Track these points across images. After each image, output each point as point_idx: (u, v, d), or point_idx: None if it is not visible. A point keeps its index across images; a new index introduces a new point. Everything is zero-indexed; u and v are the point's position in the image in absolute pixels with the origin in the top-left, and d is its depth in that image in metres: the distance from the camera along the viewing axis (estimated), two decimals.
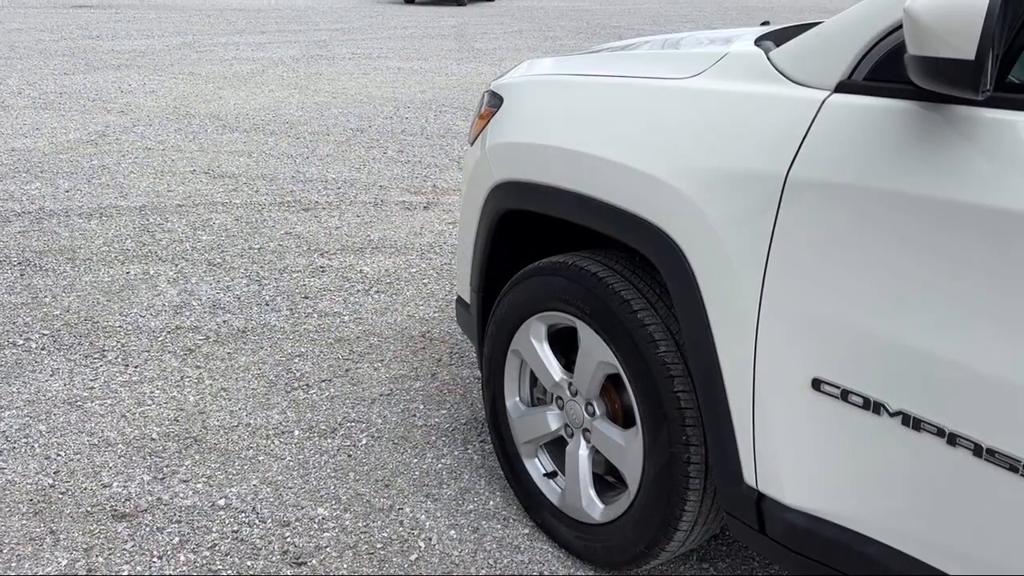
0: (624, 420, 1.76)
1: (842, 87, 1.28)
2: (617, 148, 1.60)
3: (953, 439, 1.15)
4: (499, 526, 2.02)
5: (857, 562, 1.32)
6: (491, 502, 2.10)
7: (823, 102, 1.29)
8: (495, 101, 2.05)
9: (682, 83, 1.55)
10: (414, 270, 3.60)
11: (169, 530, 1.95)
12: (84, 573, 1.81)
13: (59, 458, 2.21)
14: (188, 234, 3.91)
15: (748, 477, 1.43)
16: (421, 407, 2.53)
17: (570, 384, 1.84)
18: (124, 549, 1.89)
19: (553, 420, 1.91)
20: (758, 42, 1.55)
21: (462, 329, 2.29)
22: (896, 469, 1.23)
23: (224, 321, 3.04)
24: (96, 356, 2.76)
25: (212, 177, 4.87)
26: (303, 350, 2.84)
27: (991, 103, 1.12)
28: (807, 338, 1.29)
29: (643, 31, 15.82)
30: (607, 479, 1.90)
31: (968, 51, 0.98)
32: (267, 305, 3.19)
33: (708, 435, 1.50)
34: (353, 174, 5.07)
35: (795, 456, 1.35)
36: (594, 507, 1.82)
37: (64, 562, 1.84)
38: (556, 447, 1.97)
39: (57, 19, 13.37)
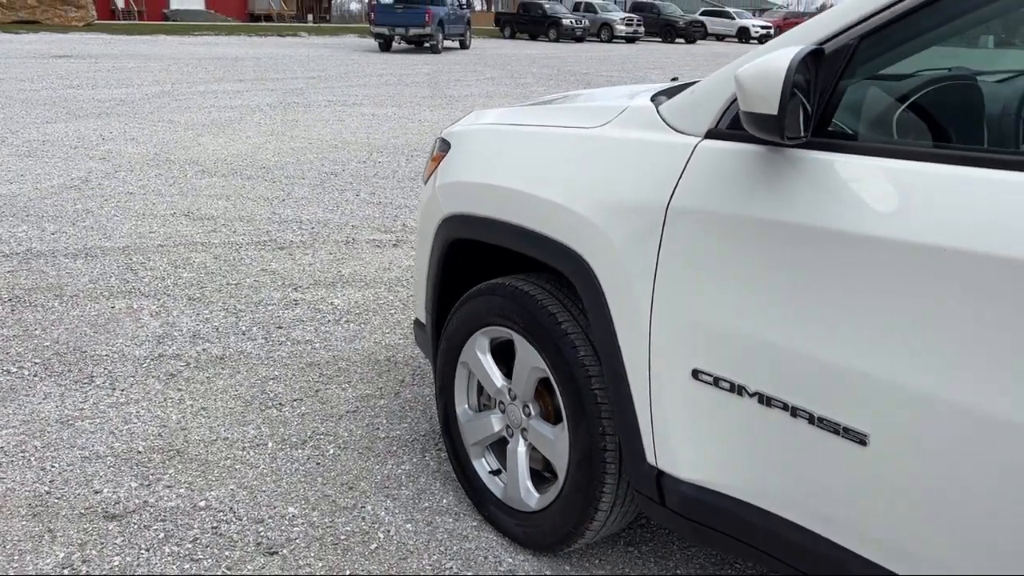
0: (554, 418, 2.03)
1: (710, 134, 1.60)
2: (541, 185, 1.90)
3: (795, 412, 1.44)
4: (451, 520, 2.27)
5: (735, 524, 1.59)
6: (444, 500, 2.36)
7: (695, 147, 1.60)
8: (445, 146, 2.36)
9: (592, 131, 1.86)
10: (382, 302, 3.87)
11: (155, 527, 2.19)
12: (80, 564, 2.04)
13: (53, 469, 2.44)
14: (169, 272, 4.17)
15: (650, 457, 1.71)
16: (384, 422, 2.78)
17: (510, 390, 2.11)
18: (115, 544, 2.12)
19: (496, 422, 2.18)
20: (654, 97, 1.87)
21: (419, 346, 2.56)
22: (757, 440, 1.52)
23: (203, 349, 3.29)
24: (85, 381, 2.99)
25: (192, 219, 5.14)
26: (276, 374, 3.10)
27: (816, 146, 1.43)
28: (687, 336, 1.58)
29: (612, 77, 16.39)
30: (545, 475, 2.16)
31: (772, 107, 1.29)
32: (243, 334, 3.44)
33: (618, 424, 1.78)
34: (327, 215, 5.36)
35: (684, 436, 1.64)
36: (531, 496, 2.08)
37: (62, 555, 2.07)
38: (500, 448, 2.24)
39: (37, 69, 13.68)
